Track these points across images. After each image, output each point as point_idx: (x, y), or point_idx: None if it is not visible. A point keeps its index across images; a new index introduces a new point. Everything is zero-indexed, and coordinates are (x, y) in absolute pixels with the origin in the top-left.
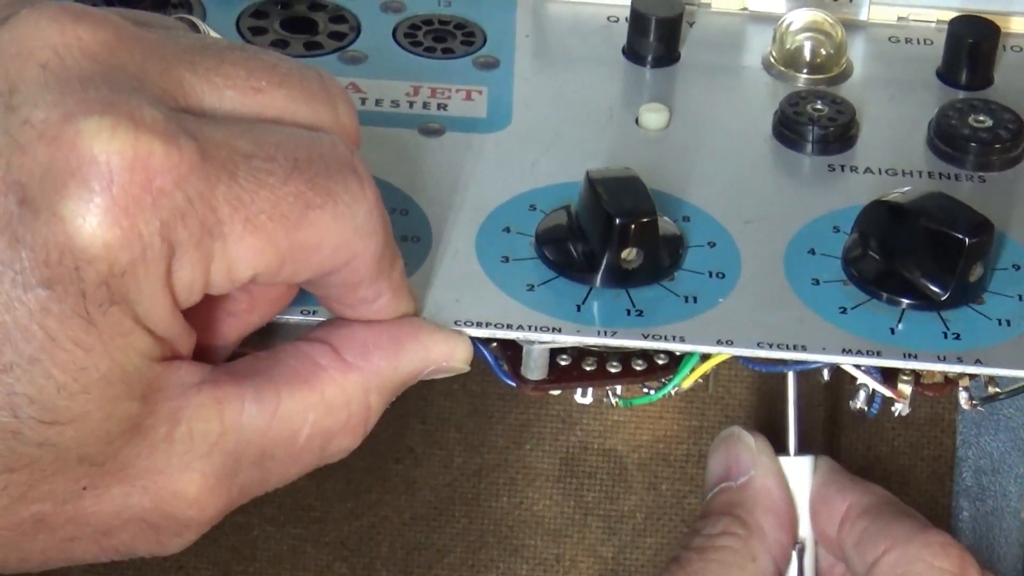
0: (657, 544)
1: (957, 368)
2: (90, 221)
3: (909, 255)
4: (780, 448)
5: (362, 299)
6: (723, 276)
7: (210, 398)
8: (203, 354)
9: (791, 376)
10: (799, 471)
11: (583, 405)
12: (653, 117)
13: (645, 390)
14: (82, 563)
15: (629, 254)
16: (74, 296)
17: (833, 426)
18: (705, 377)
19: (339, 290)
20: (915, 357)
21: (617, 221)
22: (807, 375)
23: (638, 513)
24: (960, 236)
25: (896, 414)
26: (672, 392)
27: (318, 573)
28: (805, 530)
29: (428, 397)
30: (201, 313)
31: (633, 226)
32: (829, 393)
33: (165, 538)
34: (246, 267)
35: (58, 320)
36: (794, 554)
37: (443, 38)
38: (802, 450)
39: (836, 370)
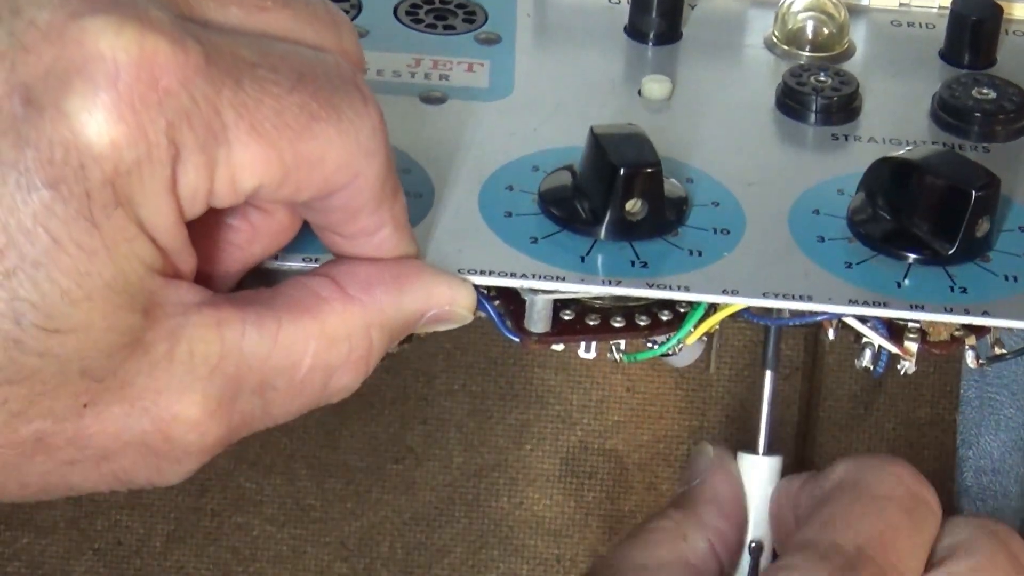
0: None
1: (964, 319)
2: (96, 116)
3: (915, 211)
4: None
5: (363, 229)
6: (728, 232)
7: (210, 319)
8: (204, 284)
9: (768, 376)
10: (766, 470)
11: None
12: (656, 87)
13: (649, 345)
14: (81, 492)
15: (633, 205)
16: (78, 197)
17: (833, 426)
18: (707, 353)
19: (340, 216)
20: (922, 308)
21: (621, 171)
22: (805, 378)
23: (638, 513)
24: (967, 189)
25: (902, 372)
26: (676, 349)
27: (318, 573)
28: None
29: (428, 397)
30: (203, 241)
31: (637, 176)
32: (828, 394)
33: (165, 464)
34: (250, 176)
35: (62, 222)
36: (747, 553)
37: (444, 16)
38: (773, 450)
39: (840, 330)
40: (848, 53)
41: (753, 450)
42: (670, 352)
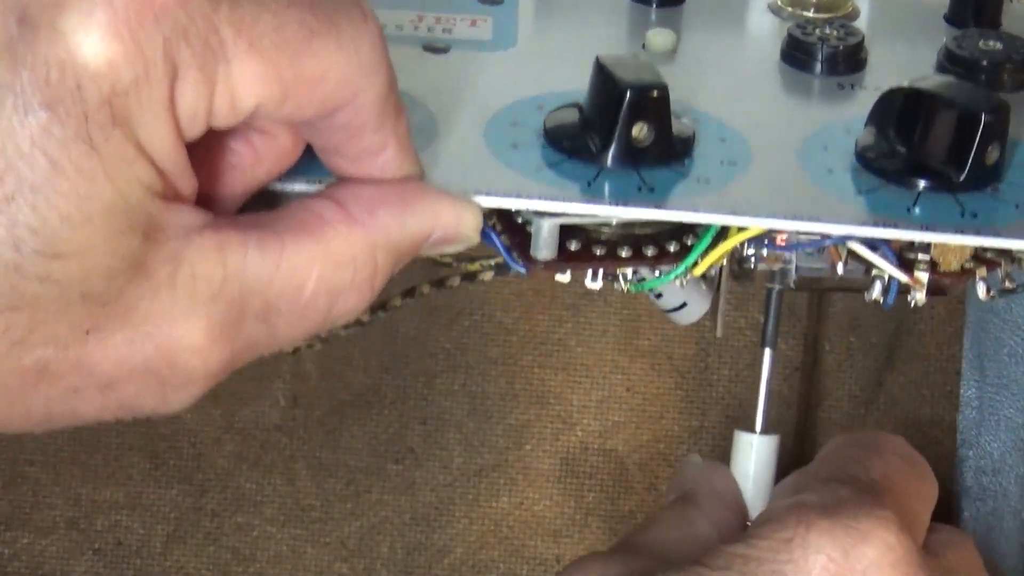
0: None
1: (974, 240)
2: (92, 35)
3: (925, 138)
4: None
5: (367, 149)
6: (735, 164)
7: (212, 242)
8: (207, 208)
9: (767, 355)
10: (763, 449)
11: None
12: (660, 39)
13: (656, 273)
14: (86, 421)
15: (640, 130)
16: (76, 118)
17: (833, 426)
18: (713, 315)
19: (343, 136)
20: (933, 230)
21: (628, 94)
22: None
23: (638, 514)
24: (977, 112)
25: (912, 304)
26: (683, 281)
27: (318, 573)
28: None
29: (428, 397)
30: (204, 165)
31: (644, 99)
32: (828, 394)
33: (170, 391)
34: (249, 94)
35: (60, 144)
36: None
37: None
38: (769, 429)
39: (849, 260)
40: (852, 16)
41: (750, 429)
42: (678, 283)
